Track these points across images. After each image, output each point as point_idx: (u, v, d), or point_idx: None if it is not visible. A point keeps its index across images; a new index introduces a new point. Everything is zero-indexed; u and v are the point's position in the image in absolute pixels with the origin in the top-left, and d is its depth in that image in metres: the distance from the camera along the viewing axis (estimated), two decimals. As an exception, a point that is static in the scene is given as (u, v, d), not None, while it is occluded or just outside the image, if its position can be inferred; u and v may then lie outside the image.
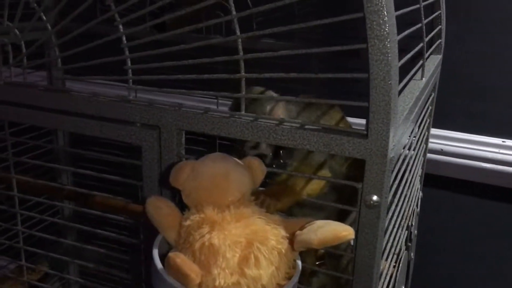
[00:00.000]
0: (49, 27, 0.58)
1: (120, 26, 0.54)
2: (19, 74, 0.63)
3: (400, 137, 0.51)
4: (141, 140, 0.56)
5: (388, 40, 0.43)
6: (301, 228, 0.49)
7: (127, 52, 0.55)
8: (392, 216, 0.58)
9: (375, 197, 0.47)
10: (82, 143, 0.74)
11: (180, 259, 0.46)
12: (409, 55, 0.58)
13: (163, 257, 0.48)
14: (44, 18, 0.58)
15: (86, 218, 0.83)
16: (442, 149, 1.06)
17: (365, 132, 0.46)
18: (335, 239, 0.46)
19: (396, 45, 0.45)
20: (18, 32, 0.61)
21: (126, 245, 0.72)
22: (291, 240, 0.49)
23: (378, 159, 0.46)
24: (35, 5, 0.58)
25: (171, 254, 0.46)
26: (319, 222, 0.49)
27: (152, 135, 0.55)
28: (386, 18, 0.42)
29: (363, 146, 0.46)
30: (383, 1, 0.42)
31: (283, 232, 0.49)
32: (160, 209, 0.50)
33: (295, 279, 0.48)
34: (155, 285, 0.48)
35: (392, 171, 0.52)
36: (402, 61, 0.52)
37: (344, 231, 0.47)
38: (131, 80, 0.56)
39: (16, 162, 0.69)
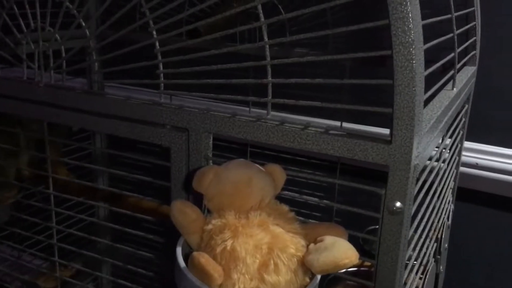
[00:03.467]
0: (88, 33, 0.61)
1: (154, 32, 0.56)
2: (59, 81, 0.66)
3: (426, 145, 0.51)
4: (170, 142, 0.58)
5: (413, 47, 0.43)
6: (315, 242, 0.49)
7: (159, 57, 0.57)
8: (418, 226, 0.57)
9: (398, 204, 0.47)
10: (118, 149, 0.77)
11: (204, 258, 0.47)
12: (438, 64, 0.58)
13: (187, 258, 0.49)
14: (83, 24, 0.61)
15: (120, 220, 0.85)
16: (477, 163, 1.04)
17: (389, 138, 0.47)
18: (335, 267, 0.46)
19: (422, 53, 0.45)
20: (59, 38, 0.64)
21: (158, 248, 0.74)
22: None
23: (402, 165, 0.46)
24: (75, 11, 0.60)
25: (195, 253, 0.47)
26: (328, 241, 0.48)
27: (181, 137, 0.57)
28: (411, 25, 0.42)
29: (387, 152, 0.47)
30: (409, 8, 0.42)
31: (302, 241, 0.50)
32: (185, 214, 0.51)
33: (313, 284, 0.49)
34: (178, 283, 0.50)
35: (418, 179, 0.52)
36: (431, 69, 0.52)
37: (345, 259, 0.46)
38: (162, 84, 0.58)
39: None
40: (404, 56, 0.43)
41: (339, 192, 0.97)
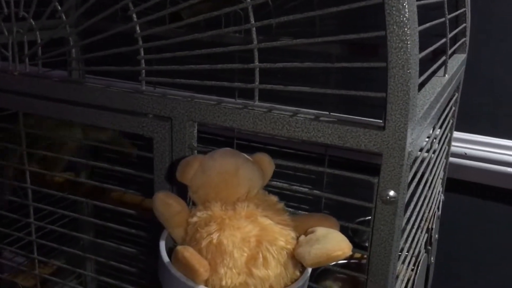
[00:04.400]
0: (64, 17, 0.58)
1: (134, 15, 0.53)
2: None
3: (419, 132, 0.49)
4: (153, 131, 0.55)
5: (408, 26, 0.41)
6: (306, 233, 0.47)
7: (140, 42, 0.54)
8: (410, 216, 0.56)
9: (392, 192, 0.45)
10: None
11: (189, 252, 0.44)
12: (431, 48, 0.56)
13: (171, 252, 0.47)
14: (59, 8, 0.57)
15: (103, 215, 0.83)
16: (465, 153, 1.03)
17: (382, 124, 0.44)
18: (328, 259, 0.44)
19: (417, 34, 0.43)
20: (33, 24, 0.61)
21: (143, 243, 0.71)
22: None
23: (396, 152, 0.44)
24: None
25: (179, 247, 0.45)
26: (319, 233, 0.46)
27: (164, 126, 0.54)
28: (405, 4, 0.40)
29: (380, 138, 0.45)
30: (403, -14, 0.40)
31: (292, 233, 0.47)
32: (169, 206, 0.48)
33: (304, 278, 0.47)
34: (162, 278, 0.47)
35: (411, 168, 0.50)
36: (424, 53, 0.50)
37: (338, 251, 0.44)
38: (144, 71, 0.55)
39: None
40: (399, 36, 0.41)
41: (327, 185, 0.95)
